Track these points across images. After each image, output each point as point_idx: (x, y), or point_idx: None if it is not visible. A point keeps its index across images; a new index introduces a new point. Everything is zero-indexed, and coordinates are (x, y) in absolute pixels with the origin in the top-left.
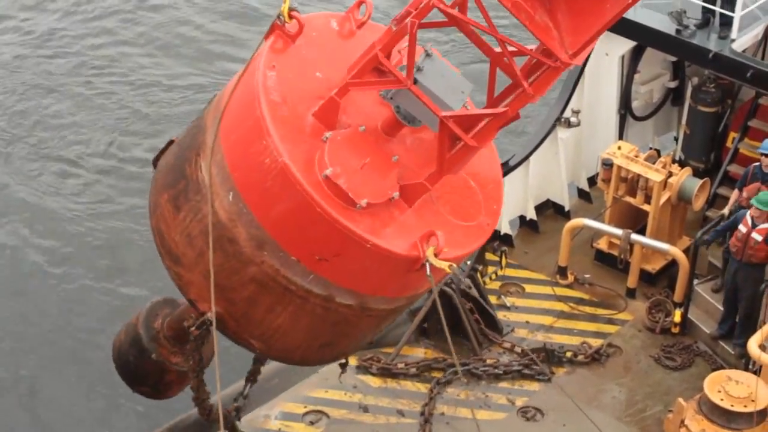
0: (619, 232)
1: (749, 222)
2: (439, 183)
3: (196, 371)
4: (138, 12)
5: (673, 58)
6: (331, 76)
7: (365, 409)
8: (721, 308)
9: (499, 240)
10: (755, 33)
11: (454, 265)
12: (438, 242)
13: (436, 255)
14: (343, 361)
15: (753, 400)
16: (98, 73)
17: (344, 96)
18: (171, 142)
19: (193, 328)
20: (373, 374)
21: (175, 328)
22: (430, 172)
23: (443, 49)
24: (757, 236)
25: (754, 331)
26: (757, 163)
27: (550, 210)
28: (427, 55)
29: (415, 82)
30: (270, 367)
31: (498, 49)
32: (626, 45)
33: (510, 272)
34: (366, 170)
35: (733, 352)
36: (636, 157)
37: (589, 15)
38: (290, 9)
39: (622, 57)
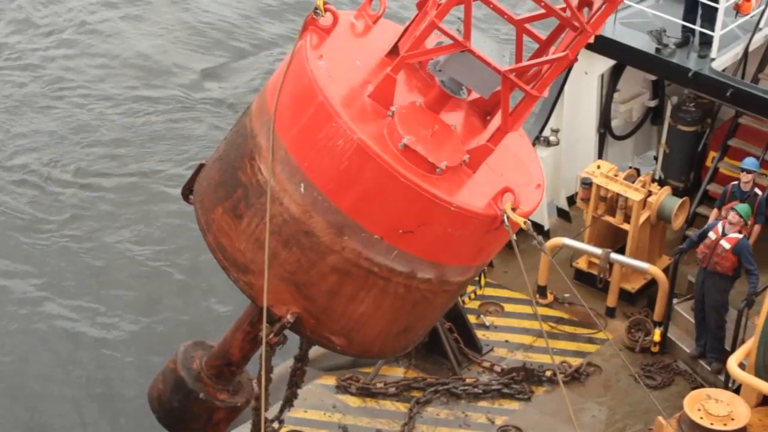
0: (598, 251)
1: (720, 230)
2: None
3: (267, 388)
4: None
5: (653, 77)
6: (369, 63)
7: (344, 429)
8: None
9: None
10: (735, 52)
11: (528, 221)
12: (515, 197)
13: (513, 210)
14: (410, 350)
15: (733, 419)
16: (52, 88)
17: (399, 72)
18: (201, 167)
19: (271, 336)
20: (352, 394)
21: (218, 365)
22: (477, 145)
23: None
24: (725, 244)
25: (723, 342)
26: (735, 182)
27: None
28: (459, 31)
29: None
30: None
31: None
32: (606, 64)
33: (489, 291)
34: (436, 137)
35: (709, 368)
36: (615, 176)
37: None
38: (325, 2)
39: (602, 76)
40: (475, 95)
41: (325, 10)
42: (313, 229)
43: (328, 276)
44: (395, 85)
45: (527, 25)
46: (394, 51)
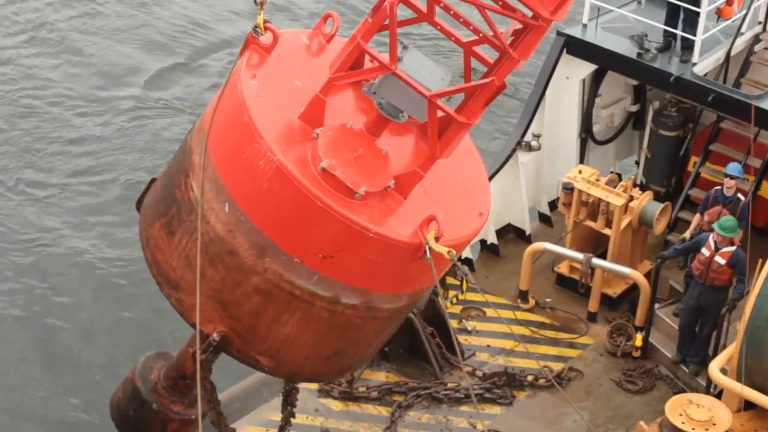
0: (580, 256)
1: (712, 246)
2: (428, 177)
3: (211, 401)
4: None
5: (635, 82)
6: (309, 84)
7: None
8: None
9: (460, 264)
10: (717, 57)
11: (453, 252)
12: (438, 226)
13: (436, 239)
14: (351, 377)
15: (714, 424)
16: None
17: (328, 94)
18: (153, 181)
19: (199, 353)
20: (334, 398)
21: (173, 376)
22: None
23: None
24: (720, 260)
25: (707, 348)
26: (718, 187)
27: (511, 234)
28: (405, 47)
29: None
30: (230, 391)
31: (465, 40)
32: (587, 68)
33: (471, 296)
34: (360, 161)
35: (687, 371)
36: (597, 181)
37: None
38: (265, 21)
39: (583, 81)
40: None
41: (266, 28)
42: (237, 249)
43: (251, 296)
44: (324, 107)
45: (476, 48)
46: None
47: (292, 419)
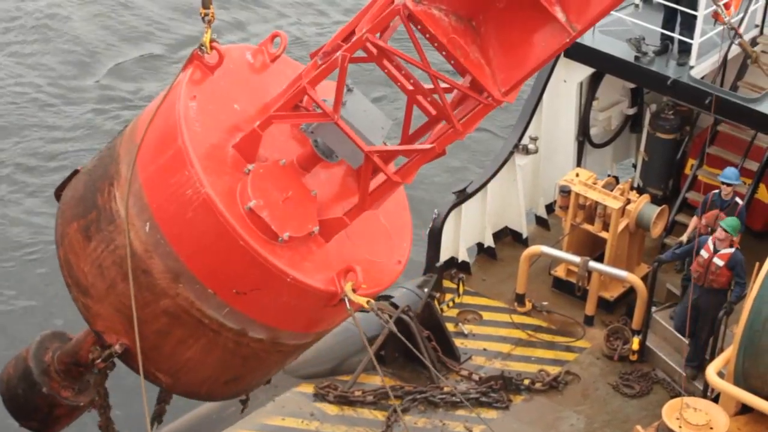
0: (576, 259)
1: (711, 247)
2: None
3: (103, 407)
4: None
5: (632, 85)
6: (248, 108)
7: None
8: (679, 336)
9: (457, 267)
10: (714, 60)
11: (372, 301)
12: (357, 278)
13: (354, 290)
14: (244, 397)
15: (711, 428)
16: None
17: (266, 129)
18: (75, 172)
19: (99, 361)
20: (330, 402)
21: (67, 362)
22: (348, 208)
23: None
24: (718, 261)
25: (704, 351)
26: (716, 191)
27: (508, 237)
28: (349, 90)
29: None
30: None
31: (411, 87)
32: (585, 72)
33: (467, 299)
34: (288, 204)
35: (684, 374)
36: (594, 184)
37: (520, 53)
38: (211, 40)
39: (581, 84)
40: None
41: (212, 47)
42: (152, 270)
43: (159, 317)
44: (260, 141)
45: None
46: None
47: (163, 415)
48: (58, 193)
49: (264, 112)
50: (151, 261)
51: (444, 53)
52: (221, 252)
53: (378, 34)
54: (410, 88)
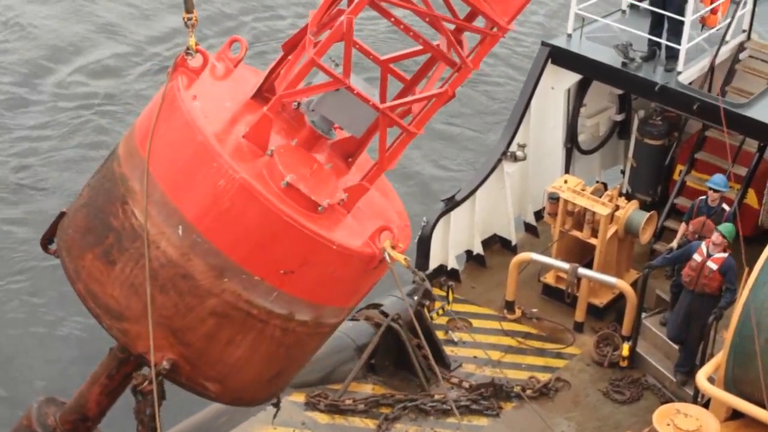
0: (566, 266)
1: (704, 251)
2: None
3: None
4: None
5: (620, 91)
6: (238, 105)
7: None
8: (669, 342)
9: (446, 275)
10: (701, 65)
11: (409, 259)
12: (393, 235)
13: (393, 248)
14: (275, 400)
15: None
16: None
17: (276, 111)
18: (61, 215)
19: (146, 384)
20: (321, 411)
21: (73, 419)
22: (345, 186)
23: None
24: (712, 265)
25: (695, 357)
26: (703, 197)
27: (497, 244)
28: (336, 65)
29: None
30: (216, 405)
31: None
32: (572, 78)
33: (457, 307)
34: (315, 176)
35: (674, 380)
36: (582, 190)
37: None
38: (196, 43)
39: (568, 90)
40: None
41: (196, 51)
42: (192, 272)
43: (206, 320)
44: (272, 125)
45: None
46: (259, 93)
47: None
48: (44, 242)
49: (255, 105)
50: (190, 263)
51: None
52: (266, 234)
53: None
54: (381, 59)
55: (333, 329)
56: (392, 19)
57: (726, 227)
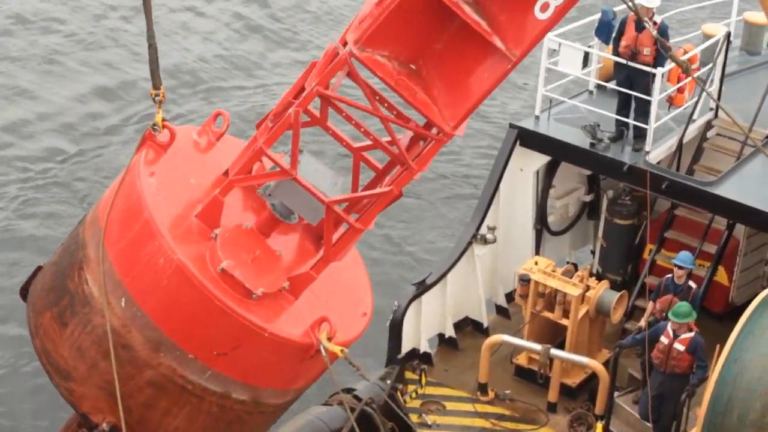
0: (538, 347)
1: (671, 333)
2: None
3: None
4: None
5: (588, 172)
6: (204, 182)
7: None
8: (643, 421)
9: (419, 358)
10: (669, 144)
11: (346, 350)
12: (331, 327)
13: (329, 339)
14: None
15: None
16: None
17: (226, 195)
18: (38, 269)
19: None
20: None
21: None
22: (309, 267)
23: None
24: (679, 346)
25: None
26: (669, 275)
27: (469, 327)
28: (300, 151)
29: None
30: None
31: (356, 145)
32: (541, 160)
33: (430, 390)
34: (256, 263)
35: None
36: (553, 271)
37: (464, 87)
38: (163, 119)
39: (537, 172)
40: None
41: (163, 126)
42: (132, 343)
43: (144, 389)
44: (222, 207)
45: (365, 154)
46: (228, 171)
47: None
48: (23, 292)
49: (220, 182)
50: (130, 335)
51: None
52: (199, 315)
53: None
54: (354, 146)
55: (279, 408)
56: (343, 114)
57: (676, 310)
